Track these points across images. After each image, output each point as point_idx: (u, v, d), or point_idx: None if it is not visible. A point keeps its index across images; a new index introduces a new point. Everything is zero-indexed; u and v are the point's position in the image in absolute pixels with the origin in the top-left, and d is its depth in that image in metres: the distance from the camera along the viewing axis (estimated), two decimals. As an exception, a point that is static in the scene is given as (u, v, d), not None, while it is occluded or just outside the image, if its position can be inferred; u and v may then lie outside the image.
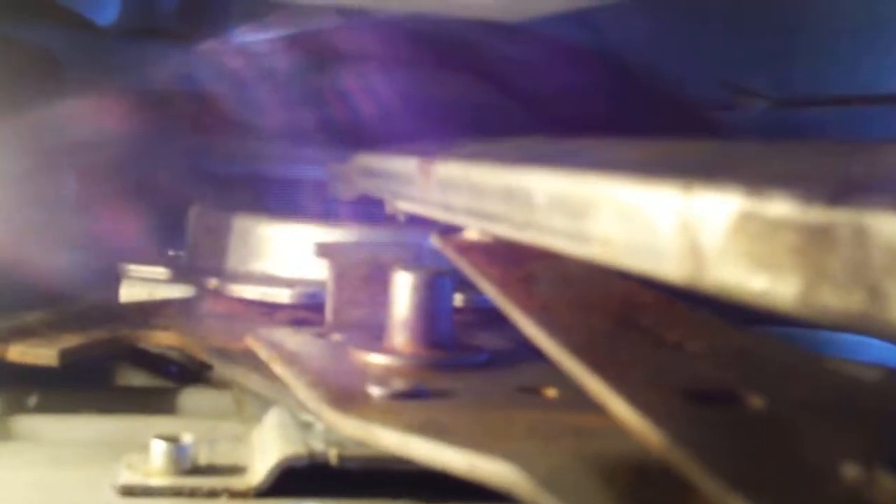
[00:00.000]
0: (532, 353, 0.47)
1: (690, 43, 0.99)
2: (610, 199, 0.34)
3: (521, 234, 0.42)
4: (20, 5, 0.89)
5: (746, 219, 0.26)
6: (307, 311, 0.71)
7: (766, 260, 0.25)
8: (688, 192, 0.29)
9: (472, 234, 0.54)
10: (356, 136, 1.16)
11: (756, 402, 0.30)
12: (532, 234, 0.41)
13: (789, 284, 0.25)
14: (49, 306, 0.78)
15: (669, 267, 0.30)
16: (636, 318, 0.41)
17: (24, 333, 0.63)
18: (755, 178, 0.27)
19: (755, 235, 0.26)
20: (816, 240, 0.24)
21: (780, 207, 0.25)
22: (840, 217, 0.23)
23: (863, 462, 0.24)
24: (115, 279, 0.82)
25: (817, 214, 0.23)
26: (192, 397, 0.69)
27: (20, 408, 0.67)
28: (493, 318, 0.61)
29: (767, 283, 0.25)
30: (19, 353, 0.61)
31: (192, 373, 0.74)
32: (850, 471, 0.24)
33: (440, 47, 1.09)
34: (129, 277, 0.78)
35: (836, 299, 0.23)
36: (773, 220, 0.25)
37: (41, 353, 0.60)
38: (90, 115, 1.06)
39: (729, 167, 0.31)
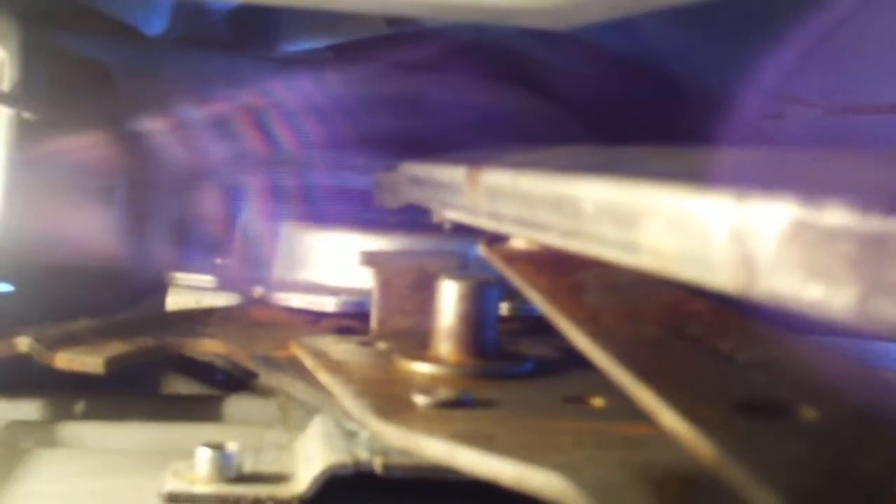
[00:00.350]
0: (578, 362, 0.47)
1: (738, 51, 0.99)
2: (661, 208, 0.33)
3: (570, 242, 0.42)
4: (70, 17, 0.89)
5: (801, 228, 0.26)
6: (352, 319, 0.71)
7: (821, 270, 0.25)
8: (741, 201, 0.29)
9: (519, 243, 0.54)
10: (406, 146, 1.17)
11: (809, 413, 0.29)
12: (580, 243, 0.40)
13: (845, 294, 0.24)
14: (97, 315, 0.79)
15: (722, 276, 0.30)
16: (686, 327, 0.40)
17: (70, 341, 0.64)
18: (809, 188, 0.26)
19: (810, 245, 0.25)
20: (873, 249, 0.23)
21: (836, 217, 0.24)
22: (897, 226, 0.22)
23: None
24: (162, 288, 0.82)
25: (874, 224, 0.23)
26: (237, 405, 0.70)
27: (67, 414, 0.68)
28: (539, 327, 0.61)
29: (822, 292, 0.25)
30: (66, 360, 0.61)
31: (237, 381, 0.74)
32: (908, 485, 0.23)
33: (487, 57, 1.09)
34: (176, 286, 0.79)
35: (892, 309, 0.23)
36: (828, 230, 0.25)
37: (87, 361, 0.61)
38: (140, 125, 1.07)
39: (782, 176, 0.31)
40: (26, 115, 0.64)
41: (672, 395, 0.30)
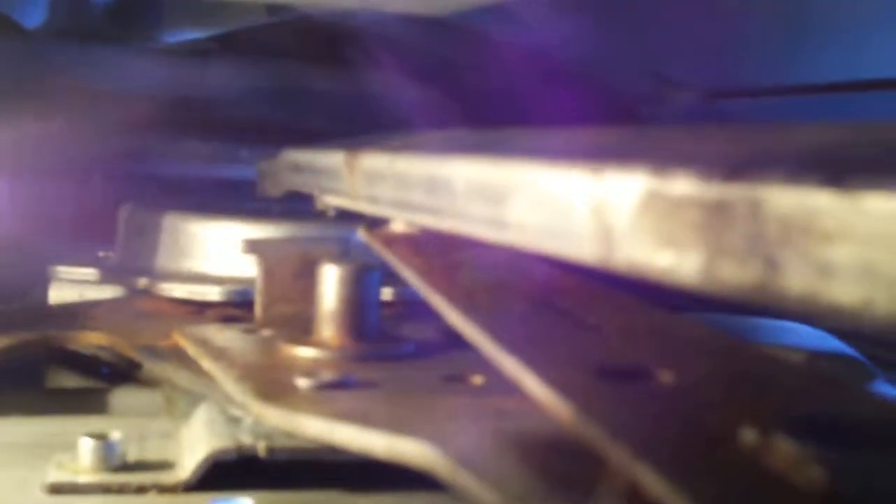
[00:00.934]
0: (459, 344, 0.48)
1: (618, 36, 1.01)
2: (524, 184, 0.34)
3: (444, 222, 0.42)
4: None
5: (652, 198, 0.27)
6: (237, 308, 0.71)
7: (671, 237, 0.26)
8: (597, 174, 0.30)
9: (398, 226, 0.55)
10: (289, 136, 1.17)
11: (666, 377, 0.31)
12: (453, 222, 0.41)
13: (692, 260, 0.25)
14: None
15: (583, 248, 0.31)
16: (557, 301, 0.41)
17: (-50, 335, 0.63)
18: (660, 160, 0.27)
19: (660, 214, 0.27)
20: (715, 215, 0.24)
21: (682, 185, 0.26)
22: (735, 192, 0.23)
23: (761, 428, 0.25)
24: (44, 282, 0.81)
25: (715, 190, 0.24)
26: (122, 397, 0.69)
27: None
28: (421, 311, 0.61)
29: (672, 259, 0.26)
30: (-55, 354, 0.60)
31: (122, 372, 0.73)
32: (749, 436, 0.25)
33: (365, 44, 1.09)
34: (59, 279, 0.78)
35: (734, 272, 0.24)
36: (675, 199, 0.26)
37: (-33, 355, 0.60)
38: (21, 117, 1.06)
39: (636, 151, 0.32)
40: None
41: (537, 363, 0.31)
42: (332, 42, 1.11)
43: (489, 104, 1.08)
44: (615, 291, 0.43)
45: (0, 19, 1.01)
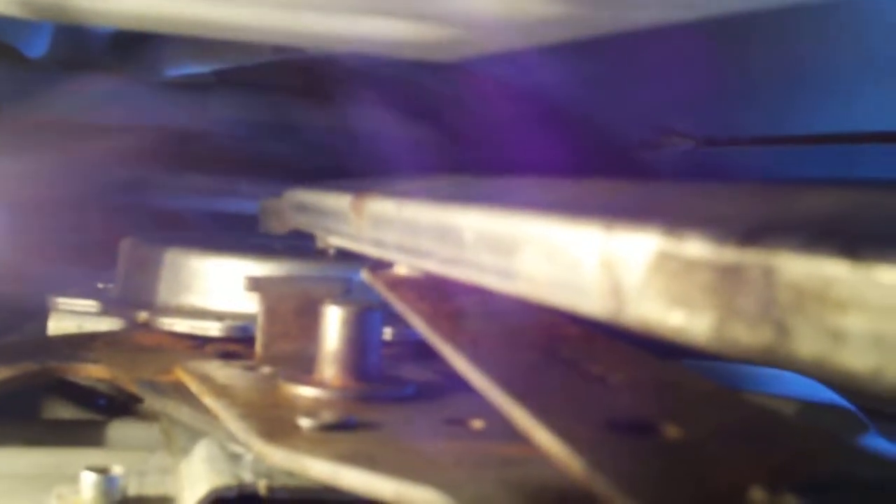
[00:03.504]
0: (460, 386, 0.48)
1: (618, 84, 1.02)
2: (535, 237, 0.35)
3: (451, 270, 0.43)
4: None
5: (664, 258, 0.28)
6: (237, 344, 0.71)
7: (683, 297, 0.27)
8: (609, 231, 0.31)
9: (401, 269, 0.56)
10: (290, 173, 1.17)
11: (673, 431, 0.31)
12: (461, 270, 0.42)
13: (704, 320, 0.26)
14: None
15: (592, 303, 0.31)
16: (561, 350, 0.42)
17: (-49, 366, 0.63)
18: (673, 220, 0.28)
19: (672, 274, 0.27)
20: (728, 278, 0.25)
21: (695, 248, 0.26)
22: (750, 257, 0.24)
23: (769, 487, 0.25)
24: (43, 313, 0.81)
25: (729, 254, 0.25)
26: (120, 430, 0.69)
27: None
28: (422, 352, 0.62)
29: (684, 318, 0.27)
30: (-54, 384, 0.60)
31: (120, 405, 0.74)
32: (757, 495, 0.25)
33: (373, 84, 1.10)
34: (58, 310, 0.78)
35: (746, 334, 0.25)
36: (688, 260, 0.27)
37: (-31, 385, 0.60)
38: (24, 148, 1.06)
39: (649, 208, 0.33)
40: None
41: (546, 414, 0.32)
42: (329, 80, 1.12)
43: (485, 145, 1.09)
44: (617, 341, 0.44)
45: (3, 48, 1.02)
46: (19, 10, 0.67)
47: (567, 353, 0.42)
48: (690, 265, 0.26)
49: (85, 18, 0.71)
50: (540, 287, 0.35)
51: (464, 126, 1.13)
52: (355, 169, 1.14)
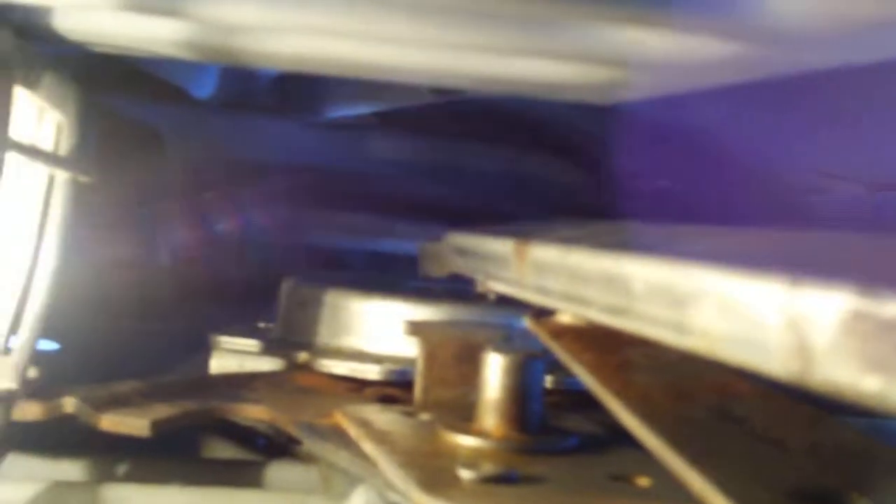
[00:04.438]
0: (622, 439, 0.47)
1: (784, 126, 0.99)
2: (712, 291, 0.33)
3: (618, 320, 0.42)
4: (122, 79, 0.91)
5: (858, 318, 0.26)
6: (395, 388, 0.71)
7: (880, 360, 0.25)
8: (795, 288, 0.29)
9: (564, 316, 0.54)
10: (447, 213, 1.17)
11: (861, 503, 0.29)
12: (630, 321, 0.40)
13: (904, 386, 0.24)
14: (141, 374, 0.79)
15: (774, 363, 0.30)
16: (734, 409, 0.40)
17: (116, 402, 0.64)
18: (866, 277, 0.26)
19: (868, 335, 0.25)
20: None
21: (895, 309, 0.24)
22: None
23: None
24: (205, 349, 0.82)
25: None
26: (278, 472, 0.70)
27: (109, 476, 0.68)
28: (581, 401, 0.61)
29: (881, 383, 0.25)
30: (112, 422, 0.61)
31: (279, 446, 0.74)
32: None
33: (526, 126, 1.10)
34: (221, 349, 0.79)
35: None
36: (887, 321, 0.25)
37: (133, 423, 0.61)
38: (189, 187, 1.09)
39: (835, 262, 0.31)
40: (81, 178, 0.65)
41: (724, 480, 0.30)
42: (491, 122, 1.12)
43: (650, 192, 1.07)
44: (792, 399, 0.42)
45: (172, 89, 1.05)
46: (189, 54, 0.69)
47: (741, 411, 0.40)
48: (889, 326, 0.25)
49: (250, 61, 0.72)
50: (715, 343, 0.33)
51: (616, 168, 1.11)
52: (510, 211, 1.13)
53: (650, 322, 0.38)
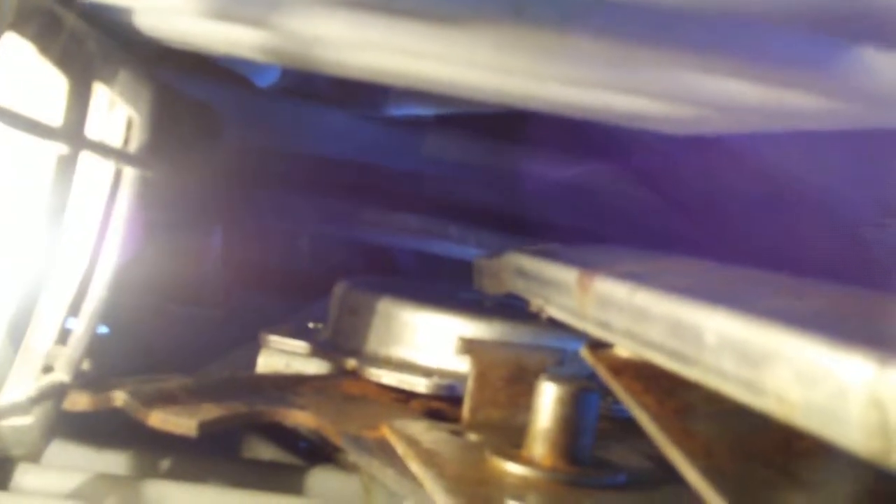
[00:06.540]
0: (670, 475, 0.46)
1: (840, 159, 0.98)
2: (791, 355, 0.32)
3: (685, 369, 0.41)
4: (184, 61, 0.91)
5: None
6: (443, 402, 0.71)
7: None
8: (883, 366, 0.28)
9: (622, 350, 0.53)
10: (500, 219, 1.16)
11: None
12: (697, 371, 0.40)
13: None
14: (186, 362, 0.79)
15: (856, 439, 0.29)
16: (800, 470, 0.39)
17: (164, 399, 0.64)
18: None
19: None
20: None
21: None
22: None
23: None
24: (252, 343, 0.82)
25: None
26: (321, 478, 0.69)
27: (151, 472, 0.68)
28: (627, 429, 0.60)
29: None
30: (160, 420, 0.61)
31: (321, 451, 0.74)
32: None
33: (594, 139, 1.09)
34: (269, 348, 0.79)
35: None
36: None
37: (181, 423, 0.61)
38: (244, 173, 1.09)
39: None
40: (148, 174, 0.65)
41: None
42: (557, 130, 1.11)
43: (712, 216, 1.06)
44: (863, 464, 0.41)
45: (235, 76, 1.04)
46: (265, 58, 0.68)
47: (807, 474, 0.39)
48: None
49: (325, 68, 0.72)
50: (791, 409, 0.32)
51: (697, 196, 1.10)
52: (566, 224, 1.12)
53: (719, 376, 0.38)
